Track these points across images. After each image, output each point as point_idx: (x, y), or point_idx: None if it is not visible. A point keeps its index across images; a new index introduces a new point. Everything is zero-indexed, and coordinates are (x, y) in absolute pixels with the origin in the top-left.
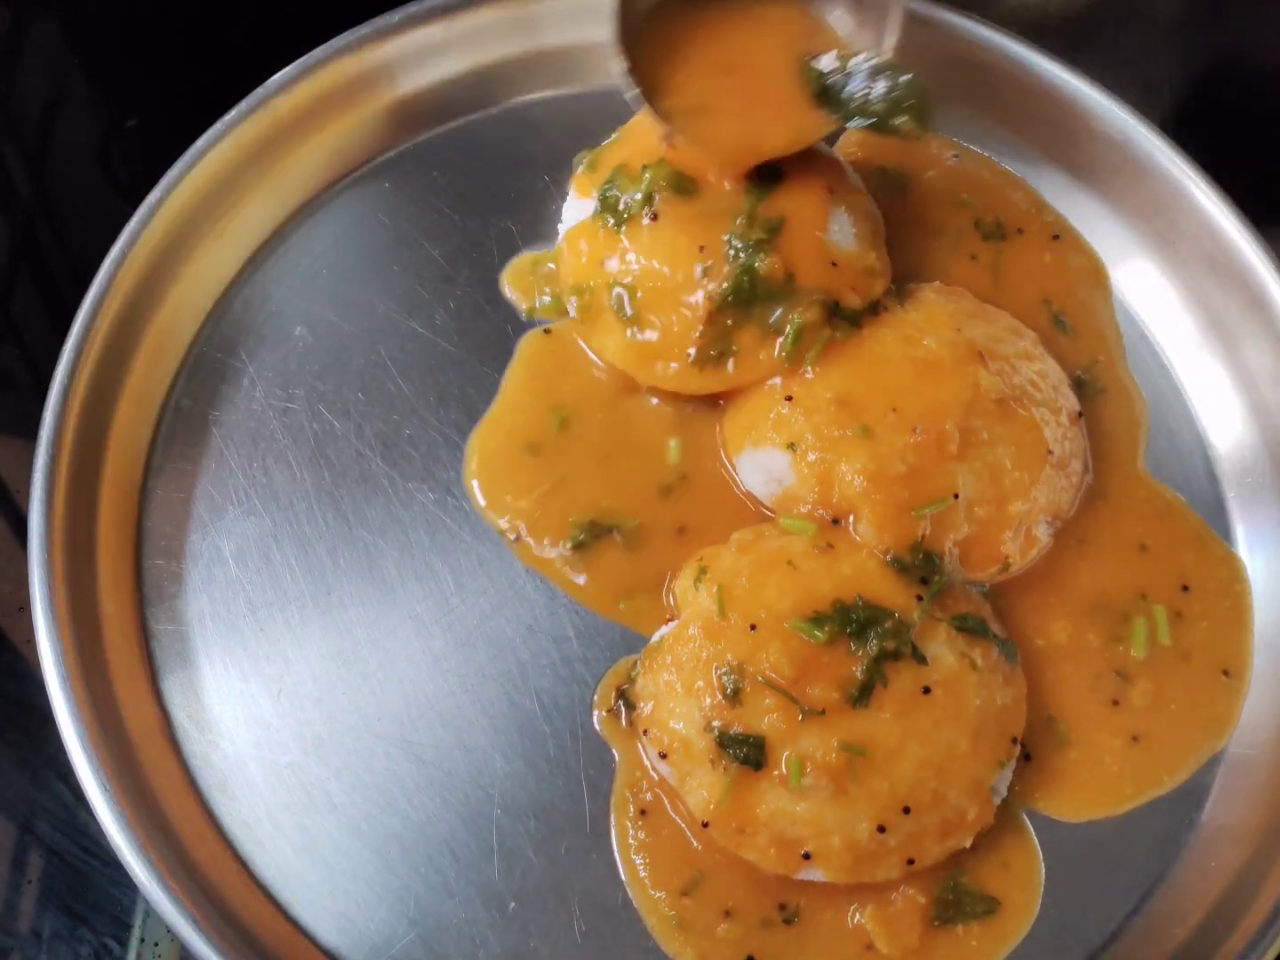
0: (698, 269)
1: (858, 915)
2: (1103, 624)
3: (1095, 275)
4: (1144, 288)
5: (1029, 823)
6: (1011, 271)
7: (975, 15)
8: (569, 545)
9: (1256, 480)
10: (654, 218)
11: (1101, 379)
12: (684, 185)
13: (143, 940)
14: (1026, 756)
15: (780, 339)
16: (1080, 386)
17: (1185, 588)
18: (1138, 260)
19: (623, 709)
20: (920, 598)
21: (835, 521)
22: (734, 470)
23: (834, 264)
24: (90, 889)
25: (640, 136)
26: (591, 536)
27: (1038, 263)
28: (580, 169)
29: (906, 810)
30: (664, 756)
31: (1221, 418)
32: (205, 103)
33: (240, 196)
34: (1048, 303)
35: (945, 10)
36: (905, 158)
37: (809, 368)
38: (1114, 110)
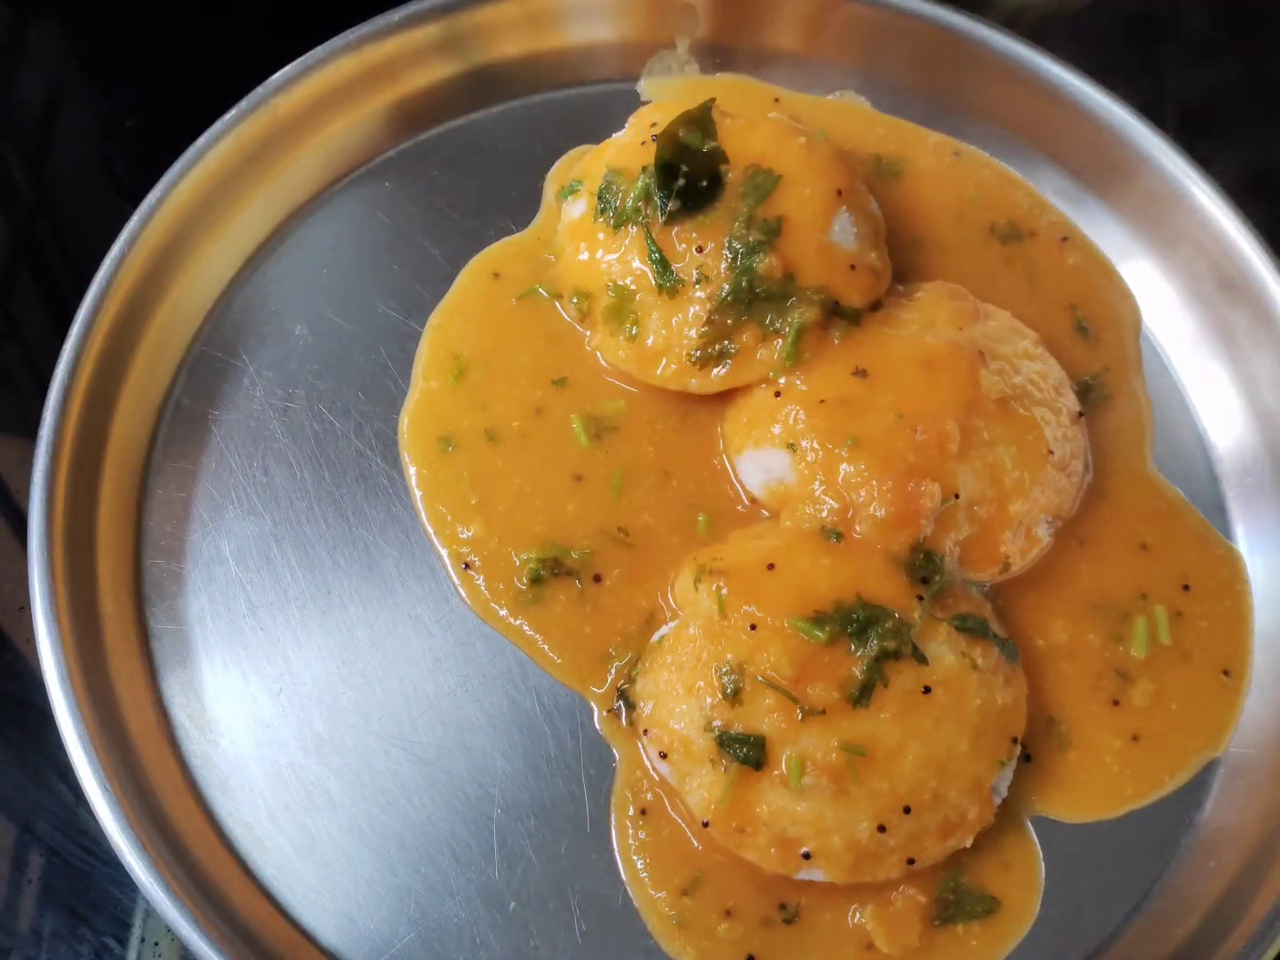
0: (697, 270)
1: (858, 915)
2: (1103, 624)
3: (1110, 275)
4: (1145, 288)
5: (1029, 823)
6: (1042, 276)
7: (975, 15)
8: (526, 579)
9: (1257, 480)
10: (653, 219)
11: (1111, 385)
12: None
13: (143, 940)
14: (1027, 757)
15: (780, 339)
16: (1087, 390)
17: (1186, 587)
18: (1138, 260)
19: (623, 709)
20: (921, 597)
21: (835, 521)
22: (734, 470)
23: (834, 264)
24: (90, 889)
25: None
26: (555, 573)
27: (1062, 266)
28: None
29: (907, 810)
30: (664, 756)
31: (1222, 417)
32: (205, 103)
33: (240, 196)
34: (1074, 308)
35: (945, 10)
36: (900, 146)
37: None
38: (1114, 110)
